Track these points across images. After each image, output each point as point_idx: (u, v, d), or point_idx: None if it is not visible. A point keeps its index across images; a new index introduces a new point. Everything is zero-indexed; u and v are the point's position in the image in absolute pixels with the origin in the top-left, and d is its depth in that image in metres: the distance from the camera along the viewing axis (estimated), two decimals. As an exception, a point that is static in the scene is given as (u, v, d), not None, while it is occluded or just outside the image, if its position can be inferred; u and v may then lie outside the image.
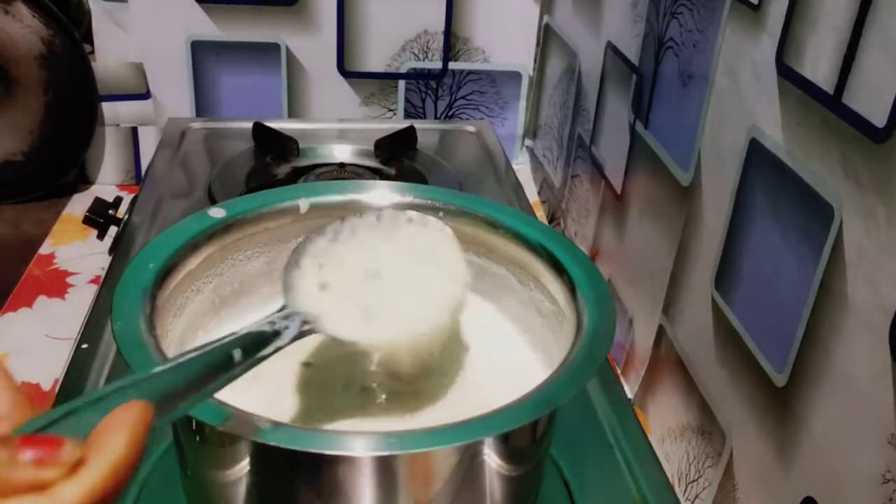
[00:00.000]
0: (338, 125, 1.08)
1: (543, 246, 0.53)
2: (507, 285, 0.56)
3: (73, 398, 0.31)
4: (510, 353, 0.54)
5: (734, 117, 0.60)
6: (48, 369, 0.77)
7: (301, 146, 0.96)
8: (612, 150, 0.88)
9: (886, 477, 0.43)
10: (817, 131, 0.49)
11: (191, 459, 0.46)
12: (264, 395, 0.45)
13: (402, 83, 1.18)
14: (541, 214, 1.13)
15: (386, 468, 0.41)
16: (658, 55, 0.75)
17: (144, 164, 1.13)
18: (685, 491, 0.66)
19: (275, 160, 0.94)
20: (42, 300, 0.90)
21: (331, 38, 1.13)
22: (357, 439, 0.39)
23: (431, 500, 0.43)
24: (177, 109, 1.13)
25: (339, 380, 0.49)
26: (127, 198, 0.89)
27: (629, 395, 0.79)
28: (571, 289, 0.49)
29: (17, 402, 0.31)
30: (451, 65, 1.18)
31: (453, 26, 1.16)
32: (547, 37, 1.17)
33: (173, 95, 1.13)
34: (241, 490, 0.43)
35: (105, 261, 0.82)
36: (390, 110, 1.20)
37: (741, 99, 0.59)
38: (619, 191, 0.86)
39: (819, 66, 0.49)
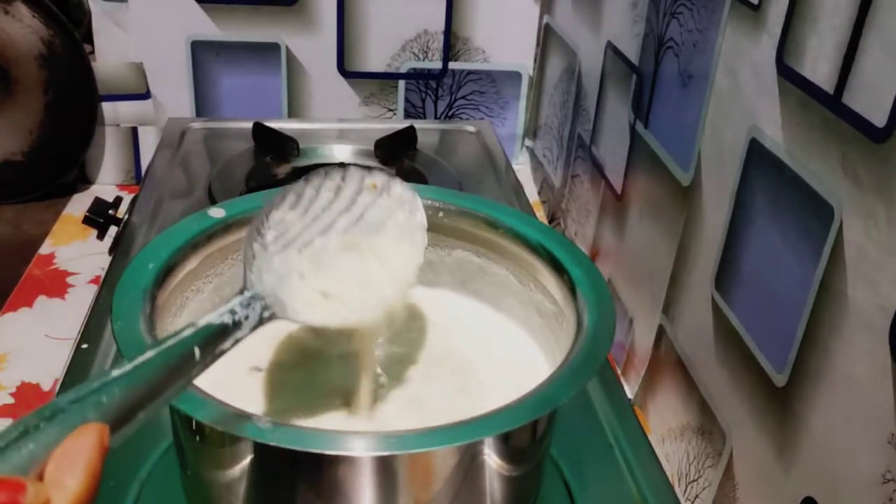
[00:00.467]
0: (338, 125, 1.08)
1: (543, 246, 0.53)
2: (507, 285, 0.56)
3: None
4: (510, 353, 0.54)
5: (734, 117, 0.60)
6: (48, 369, 0.77)
7: (301, 146, 0.96)
8: (612, 150, 0.88)
9: (886, 477, 0.43)
10: (817, 131, 0.49)
11: (191, 459, 0.46)
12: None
13: (402, 83, 1.18)
14: (541, 214, 1.13)
15: (386, 468, 0.41)
16: (658, 55, 0.75)
17: (144, 164, 1.13)
18: (685, 491, 0.66)
19: (275, 160, 0.94)
20: (42, 300, 0.90)
21: (331, 38, 1.13)
22: (357, 439, 0.39)
23: (431, 500, 0.43)
24: (177, 109, 1.13)
25: (335, 381, 0.49)
26: (127, 198, 0.89)
27: (629, 395, 0.79)
28: (571, 289, 0.49)
29: None
30: (451, 65, 1.18)
31: (453, 26, 1.16)
32: (547, 37, 1.17)
33: (173, 95, 1.13)
34: (241, 490, 0.43)
35: (105, 261, 0.82)
36: (390, 110, 1.20)
37: (741, 99, 0.59)
38: (619, 191, 0.85)
39: (819, 66, 0.49)
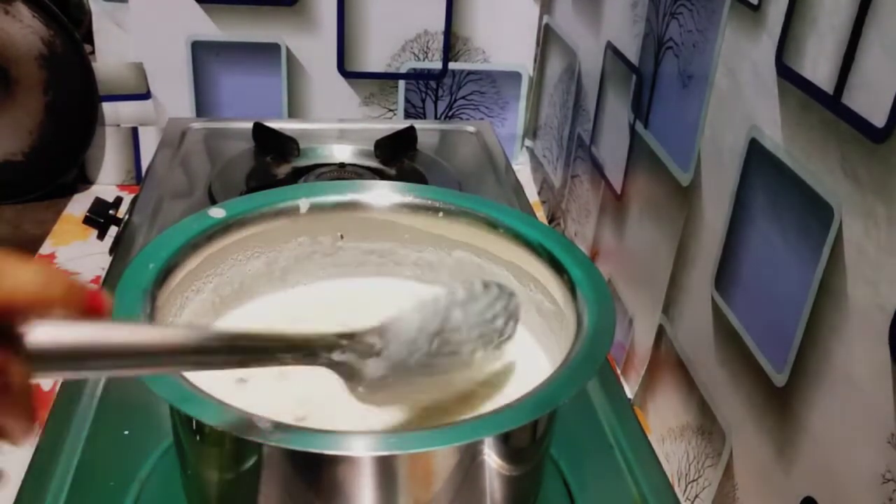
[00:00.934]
0: (338, 125, 1.08)
1: (543, 246, 0.53)
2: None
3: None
4: (510, 353, 0.54)
5: (734, 117, 0.60)
6: (48, 369, 0.77)
7: (301, 146, 0.96)
8: (612, 150, 0.88)
9: (886, 477, 0.43)
10: (817, 131, 0.49)
11: (191, 459, 0.46)
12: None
13: (402, 83, 1.18)
14: (541, 214, 1.13)
15: (386, 468, 0.41)
16: (658, 55, 0.75)
17: (145, 164, 1.13)
18: (685, 491, 0.66)
19: (275, 160, 0.94)
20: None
21: (331, 38, 1.13)
22: (357, 439, 0.39)
23: (431, 500, 0.43)
24: (177, 109, 1.13)
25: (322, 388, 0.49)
26: (127, 198, 0.89)
27: (629, 395, 0.79)
28: (571, 289, 0.49)
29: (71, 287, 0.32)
30: (451, 65, 1.18)
31: (453, 26, 1.16)
32: (547, 37, 1.17)
33: (173, 95, 1.13)
34: (241, 490, 0.43)
35: (105, 261, 0.82)
36: (390, 110, 1.20)
37: (741, 99, 0.59)
38: (619, 191, 0.86)
39: (819, 66, 0.49)
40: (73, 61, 1.06)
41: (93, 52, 1.10)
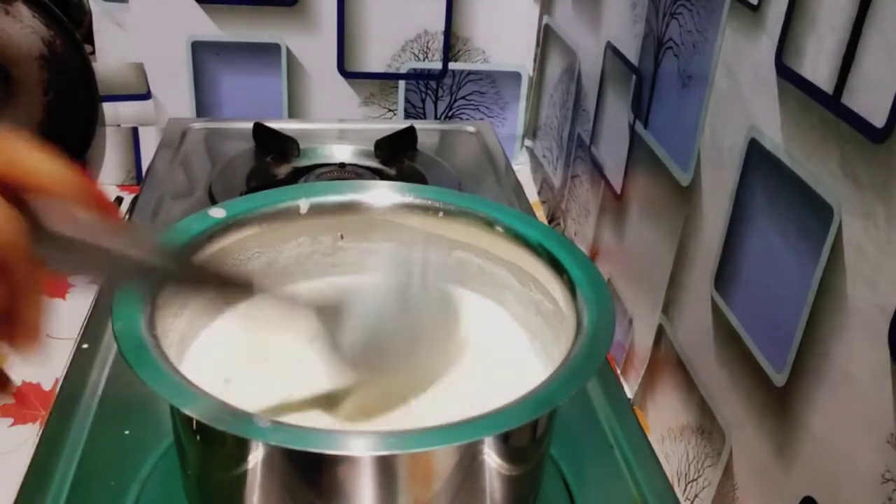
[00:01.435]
0: (338, 125, 1.08)
1: (543, 246, 0.53)
2: (507, 285, 0.56)
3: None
4: (510, 353, 0.54)
5: (734, 117, 0.60)
6: (49, 369, 0.77)
7: (301, 146, 0.96)
8: (612, 150, 0.88)
9: (886, 477, 0.43)
10: (817, 131, 0.49)
11: (191, 459, 0.46)
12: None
13: (402, 83, 1.18)
14: (541, 214, 1.13)
15: (386, 468, 0.41)
16: (658, 55, 0.75)
17: (145, 164, 1.13)
18: (685, 490, 0.66)
19: (275, 160, 0.94)
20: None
21: (331, 39, 1.13)
22: (357, 439, 0.39)
23: (431, 500, 0.43)
24: (177, 109, 1.13)
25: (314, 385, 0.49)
26: (127, 198, 0.89)
27: (629, 394, 0.79)
28: (571, 289, 0.49)
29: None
30: (451, 65, 1.18)
31: (453, 26, 1.16)
32: (547, 37, 1.17)
33: (174, 95, 1.13)
34: (241, 490, 0.43)
35: (105, 261, 0.81)
36: (390, 110, 1.20)
37: (741, 99, 0.59)
38: (618, 191, 0.86)
39: (818, 67, 0.49)
40: (73, 61, 1.06)
41: (93, 52, 1.10)
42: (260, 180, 0.88)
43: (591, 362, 0.43)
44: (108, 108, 1.12)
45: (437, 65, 1.18)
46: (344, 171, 0.92)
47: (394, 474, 0.41)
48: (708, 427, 0.63)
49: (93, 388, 0.59)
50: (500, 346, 0.54)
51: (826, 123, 0.48)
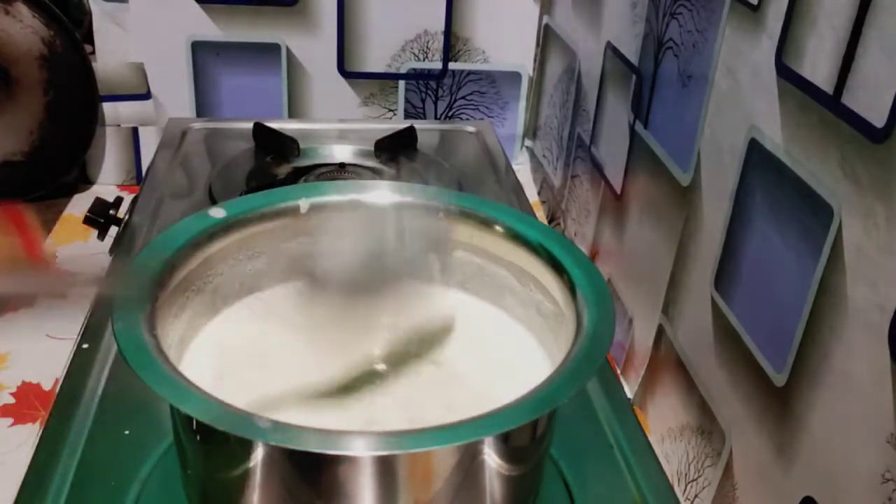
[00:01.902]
0: (338, 125, 1.08)
1: (543, 246, 0.53)
2: (507, 285, 0.56)
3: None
4: (510, 353, 0.54)
5: (734, 117, 0.60)
6: (49, 369, 0.78)
7: (301, 146, 0.96)
8: (612, 150, 0.88)
9: (886, 477, 0.43)
10: (817, 131, 0.49)
11: (191, 459, 0.46)
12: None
13: (402, 83, 1.18)
14: (541, 214, 1.13)
15: (386, 468, 0.41)
16: (658, 55, 0.75)
17: (145, 164, 1.13)
18: (685, 490, 0.66)
19: (275, 160, 0.94)
20: (43, 300, 0.90)
21: (331, 39, 1.13)
22: (357, 439, 0.39)
23: (431, 500, 0.43)
24: (177, 109, 1.13)
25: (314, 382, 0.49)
26: (127, 198, 0.89)
27: (629, 395, 0.79)
28: (571, 289, 0.49)
29: None
30: (451, 65, 1.18)
31: (453, 26, 1.16)
32: (547, 37, 1.17)
33: (174, 95, 1.13)
34: (241, 490, 0.43)
35: (105, 261, 0.82)
36: (390, 110, 1.20)
37: (741, 99, 0.59)
38: (618, 191, 0.86)
39: (818, 67, 0.49)
40: (73, 61, 1.06)
41: (93, 52, 1.11)
42: (260, 180, 0.88)
43: (591, 362, 0.43)
44: (108, 108, 1.12)
45: (437, 65, 1.18)
46: (344, 171, 0.91)
47: (394, 474, 0.41)
48: (708, 427, 0.63)
49: (93, 388, 0.59)
50: (500, 346, 0.54)
51: (826, 123, 0.48)
